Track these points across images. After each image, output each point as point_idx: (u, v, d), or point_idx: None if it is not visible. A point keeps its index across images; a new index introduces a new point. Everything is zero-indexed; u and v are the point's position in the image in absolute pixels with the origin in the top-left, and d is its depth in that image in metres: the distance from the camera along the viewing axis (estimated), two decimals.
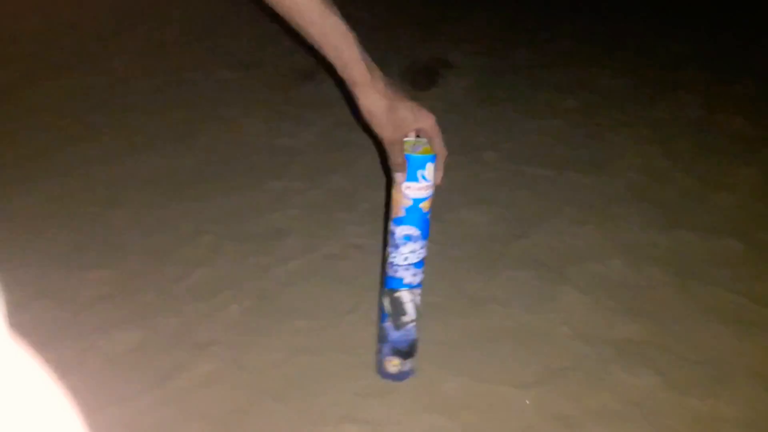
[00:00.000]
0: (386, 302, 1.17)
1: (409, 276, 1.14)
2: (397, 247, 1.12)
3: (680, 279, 1.60)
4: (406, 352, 1.22)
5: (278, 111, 2.36)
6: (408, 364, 1.23)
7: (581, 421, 1.21)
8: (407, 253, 1.12)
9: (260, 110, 2.35)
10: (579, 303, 1.51)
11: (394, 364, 1.22)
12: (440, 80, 2.70)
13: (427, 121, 1.02)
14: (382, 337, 1.22)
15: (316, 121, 2.31)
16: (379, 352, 1.23)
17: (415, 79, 2.69)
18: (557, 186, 1.98)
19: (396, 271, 1.14)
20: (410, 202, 1.07)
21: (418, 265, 1.14)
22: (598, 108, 2.51)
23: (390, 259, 1.14)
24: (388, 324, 1.19)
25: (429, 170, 1.05)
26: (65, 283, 1.47)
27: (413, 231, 1.10)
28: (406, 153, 1.03)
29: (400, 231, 1.10)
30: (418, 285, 1.17)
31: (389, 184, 1.11)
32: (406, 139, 1.04)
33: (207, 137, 2.16)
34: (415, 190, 1.06)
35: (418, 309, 1.19)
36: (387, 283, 1.17)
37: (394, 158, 1.03)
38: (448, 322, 1.42)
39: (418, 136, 1.07)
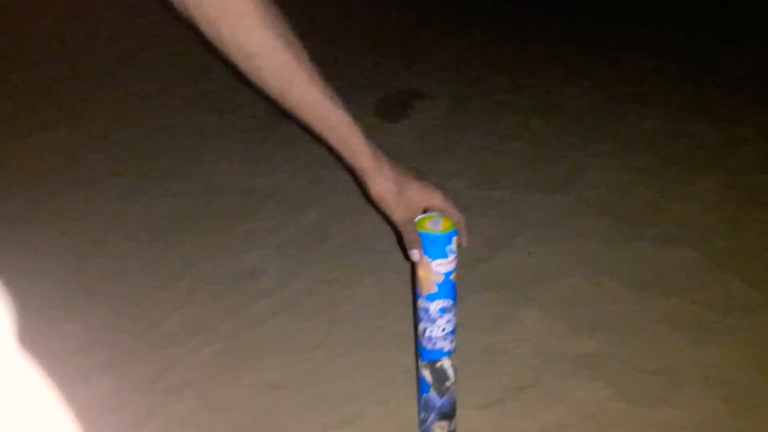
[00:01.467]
0: (427, 374, 1.21)
1: (447, 344, 1.19)
2: (433, 321, 1.15)
3: (637, 291, 1.65)
4: (451, 413, 1.26)
5: (253, 152, 2.45)
6: (453, 423, 1.27)
7: None
8: (444, 324, 1.16)
9: (235, 153, 2.44)
10: (539, 322, 1.56)
11: (442, 427, 1.26)
12: (411, 110, 2.79)
13: (435, 197, 1.08)
14: (426, 407, 1.24)
15: (289, 160, 2.39)
16: (423, 421, 1.26)
17: (387, 111, 2.77)
18: (521, 208, 2.04)
19: (435, 344, 1.18)
20: (442, 278, 1.11)
21: (453, 331, 1.19)
22: (564, 127, 2.58)
23: (427, 334, 1.17)
24: (432, 394, 1.22)
25: (454, 243, 1.10)
26: (43, 335, 1.54)
27: (447, 303, 1.15)
28: (430, 233, 1.07)
29: (435, 306, 1.14)
30: (455, 349, 1.21)
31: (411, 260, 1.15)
32: (423, 216, 1.10)
33: (183, 183, 2.24)
34: (445, 265, 1.10)
35: (456, 369, 1.23)
36: (425, 356, 1.20)
37: (409, 236, 1.08)
38: (413, 350, 1.48)
39: (425, 211, 1.11)
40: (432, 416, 1.25)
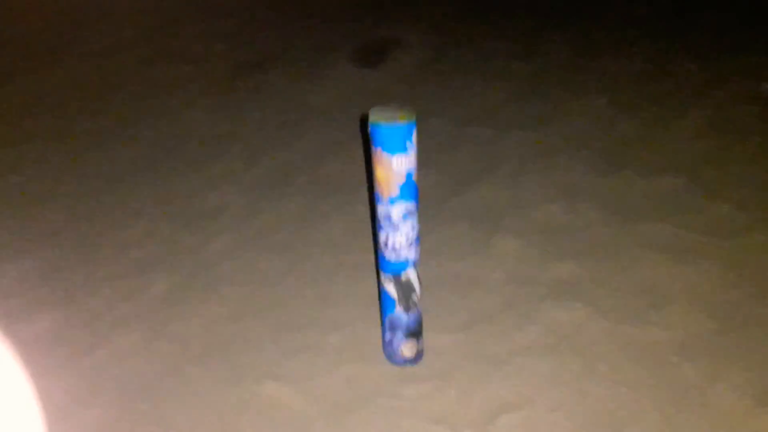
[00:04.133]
0: (392, 288, 1.10)
1: (412, 253, 1.08)
2: (396, 228, 1.04)
3: (619, 217, 1.56)
4: (418, 330, 1.15)
5: (222, 100, 2.34)
6: (421, 343, 1.16)
7: (509, 358, 1.18)
8: (408, 230, 1.05)
9: (203, 101, 2.33)
10: (514, 249, 1.47)
11: (410, 348, 1.15)
12: (390, 58, 2.68)
13: None
14: (392, 326, 1.13)
15: (260, 106, 2.29)
16: (389, 343, 1.15)
17: (365, 57, 2.66)
18: (499, 144, 1.95)
19: (399, 254, 1.06)
20: (403, 178, 1.01)
21: (418, 239, 1.08)
22: (546, 70, 2.48)
23: (390, 244, 1.05)
24: (398, 311, 1.12)
25: (414, 137, 1.00)
26: None
27: (410, 206, 1.04)
28: (387, 123, 0.97)
29: (397, 211, 1.03)
30: (419, 258, 1.10)
31: (368, 165, 1.07)
32: (379, 109, 1.01)
33: (149, 131, 2.14)
34: (405, 162, 1.00)
35: (421, 282, 1.12)
36: (389, 269, 1.09)
37: None
38: (375, 278, 1.39)
39: None
40: (398, 336, 1.15)
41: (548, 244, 1.48)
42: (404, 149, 1.01)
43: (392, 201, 1.04)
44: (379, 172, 1.03)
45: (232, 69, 2.58)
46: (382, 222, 1.06)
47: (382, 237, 1.08)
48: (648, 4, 3.17)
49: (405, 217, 1.05)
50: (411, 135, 1.01)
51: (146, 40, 2.89)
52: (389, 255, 1.09)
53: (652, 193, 1.65)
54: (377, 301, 1.31)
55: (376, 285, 1.36)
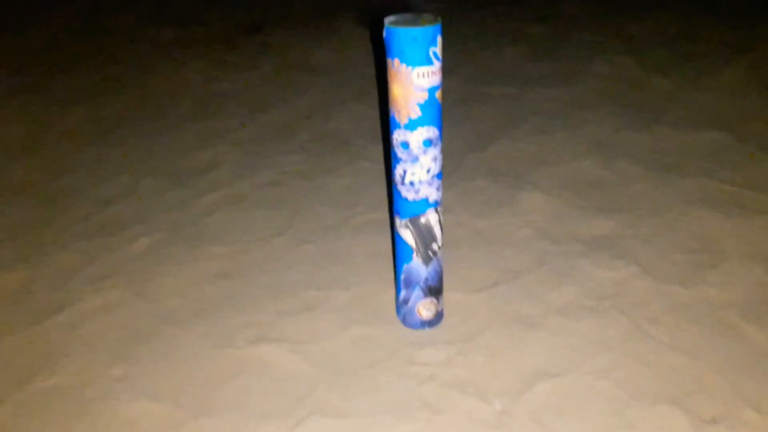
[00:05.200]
0: (408, 235, 0.92)
1: (433, 192, 0.90)
2: (416, 159, 0.86)
3: (659, 173, 1.39)
4: (439, 287, 0.98)
5: (219, 60, 2.17)
6: (441, 303, 0.99)
7: (543, 320, 1.01)
8: (429, 162, 0.87)
9: (199, 61, 2.16)
10: (543, 205, 1.30)
11: (429, 308, 0.97)
12: None
13: None
14: (408, 282, 0.96)
15: (260, 66, 2.12)
16: (404, 302, 0.98)
17: (372, 20, 2.49)
18: (520, 101, 1.78)
19: (419, 191, 0.89)
20: (425, 95, 0.83)
21: (440, 174, 0.90)
22: (568, 32, 2.30)
23: (408, 179, 0.88)
24: (414, 262, 0.94)
25: (439, 45, 0.82)
26: None
27: (432, 132, 0.86)
28: (407, 29, 0.80)
29: (416, 137, 0.85)
30: (440, 200, 0.93)
31: (381, 90, 0.89)
32: (401, 15, 0.84)
33: (140, 89, 1.97)
34: (429, 76, 0.83)
35: (443, 229, 0.96)
36: (406, 211, 0.91)
37: None
38: (388, 234, 1.22)
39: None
40: (416, 293, 0.98)
41: (582, 200, 1.31)
42: (427, 60, 0.83)
43: (411, 125, 0.87)
44: (396, 90, 0.86)
45: (230, 32, 2.41)
46: (398, 152, 0.89)
47: (398, 171, 0.91)
48: None
49: (426, 144, 0.88)
50: (436, 42, 0.83)
51: (143, 2, 2.73)
52: (406, 193, 0.91)
53: (694, 149, 1.48)
54: (391, 259, 1.15)
55: (389, 242, 1.20)
